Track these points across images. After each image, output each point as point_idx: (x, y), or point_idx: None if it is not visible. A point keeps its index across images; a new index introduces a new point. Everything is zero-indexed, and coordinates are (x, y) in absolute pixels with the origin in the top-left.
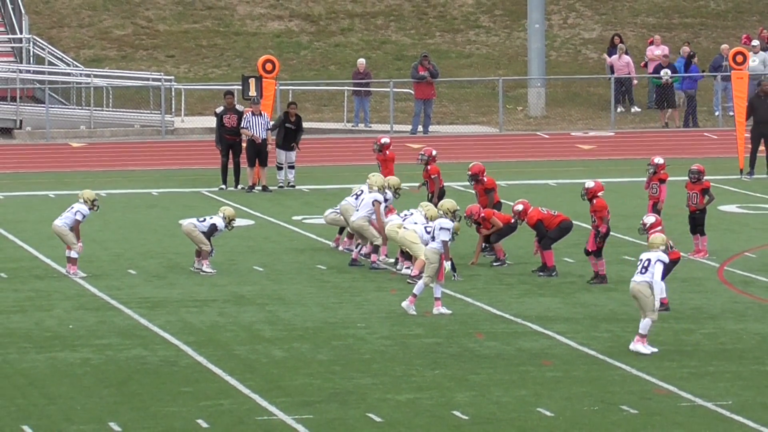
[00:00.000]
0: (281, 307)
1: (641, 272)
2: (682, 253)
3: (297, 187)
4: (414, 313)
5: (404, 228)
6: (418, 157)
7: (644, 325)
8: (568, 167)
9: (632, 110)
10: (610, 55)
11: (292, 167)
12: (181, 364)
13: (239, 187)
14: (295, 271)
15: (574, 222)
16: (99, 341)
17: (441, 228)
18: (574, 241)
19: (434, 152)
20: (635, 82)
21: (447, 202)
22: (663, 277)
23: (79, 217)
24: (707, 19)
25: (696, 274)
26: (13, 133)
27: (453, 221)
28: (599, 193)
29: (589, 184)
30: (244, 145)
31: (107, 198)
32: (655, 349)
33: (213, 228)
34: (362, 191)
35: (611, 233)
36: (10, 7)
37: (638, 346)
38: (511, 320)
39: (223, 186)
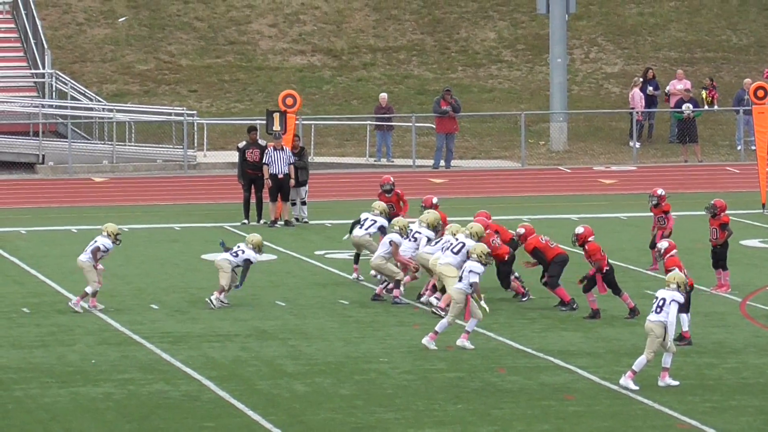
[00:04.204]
0: (303, 341)
1: (656, 311)
2: (705, 288)
3: (320, 222)
4: (435, 348)
5: (440, 262)
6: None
7: (639, 361)
8: (590, 201)
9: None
10: (645, 89)
11: (304, 203)
12: (203, 399)
13: (262, 221)
14: (318, 305)
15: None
16: (121, 376)
17: (471, 271)
18: None
19: (435, 199)
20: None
21: (480, 246)
22: (686, 308)
23: (99, 247)
24: (729, 54)
25: (718, 309)
26: (36, 168)
27: (484, 265)
28: (590, 238)
29: (579, 230)
30: (267, 179)
31: (129, 233)
32: (677, 383)
33: (248, 263)
34: (366, 218)
35: (631, 267)
36: (33, 42)
37: (628, 381)
38: (534, 354)
39: (246, 221)
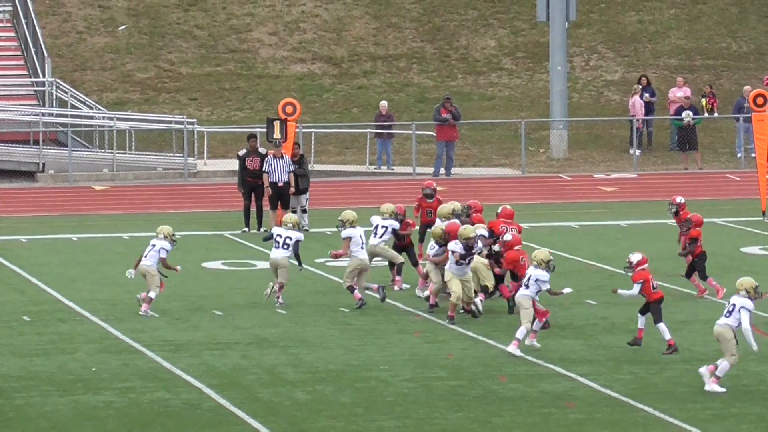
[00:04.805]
0: (304, 349)
1: (726, 315)
2: (708, 296)
3: (320, 230)
4: (520, 354)
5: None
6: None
7: (722, 367)
8: (590, 209)
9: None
10: (641, 96)
11: (304, 211)
12: (204, 407)
13: (262, 229)
14: (318, 313)
15: (597, 264)
16: (122, 384)
17: (537, 280)
18: (596, 282)
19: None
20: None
21: (540, 253)
22: (657, 318)
23: (162, 254)
24: (729, 61)
25: (718, 316)
26: (36, 177)
27: (548, 272)
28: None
29: (634, 257)
30: (266, 187)
31: (130, 241)
32: (723, 389)
33: (297, 244)
34: (377, 225)
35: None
36: (33, 50)
37: (714, 386)
38: (534, 362)
39: (246, 229)
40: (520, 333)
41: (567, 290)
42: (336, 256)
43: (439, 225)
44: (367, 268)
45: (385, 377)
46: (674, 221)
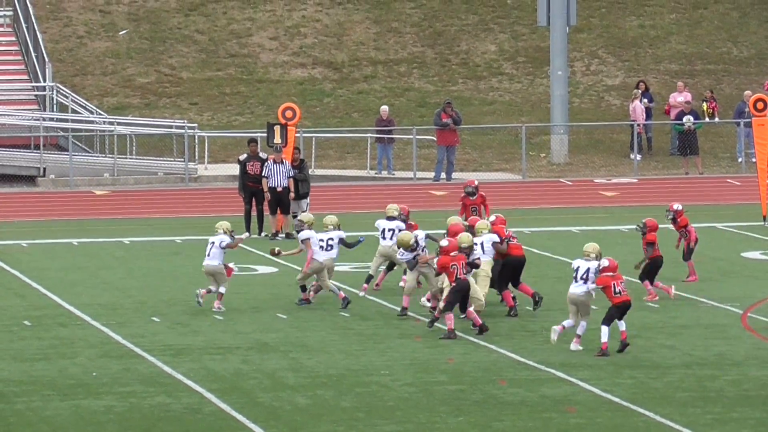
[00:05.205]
0: (305, 354)
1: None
2: (708, 300)
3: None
4: (581, 348)
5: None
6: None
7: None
8: (591, 214)
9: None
10: (641, 101)
11: None
12: (204, 412)
13: (263, 234)
14: (319, 318)
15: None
16: (122, 389)
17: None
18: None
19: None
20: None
21: (592, 244)
22: (611, 321)
23: (224, 243)
24: (730, 66)
25: (719, 321)
26: (37, 181)
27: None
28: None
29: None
30: (266, 192)
31: (130, 245)
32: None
33: (342, 241)
34: (384, 228)
35: (633, 279)
36: (33, 55)
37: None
38: (535, 367)
39: (247, 233)
40: (581, 329)
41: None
42: (275, 254)
43: (408, 233)
44: (324, 269)
45: (385, 382)
46: (673, 227)
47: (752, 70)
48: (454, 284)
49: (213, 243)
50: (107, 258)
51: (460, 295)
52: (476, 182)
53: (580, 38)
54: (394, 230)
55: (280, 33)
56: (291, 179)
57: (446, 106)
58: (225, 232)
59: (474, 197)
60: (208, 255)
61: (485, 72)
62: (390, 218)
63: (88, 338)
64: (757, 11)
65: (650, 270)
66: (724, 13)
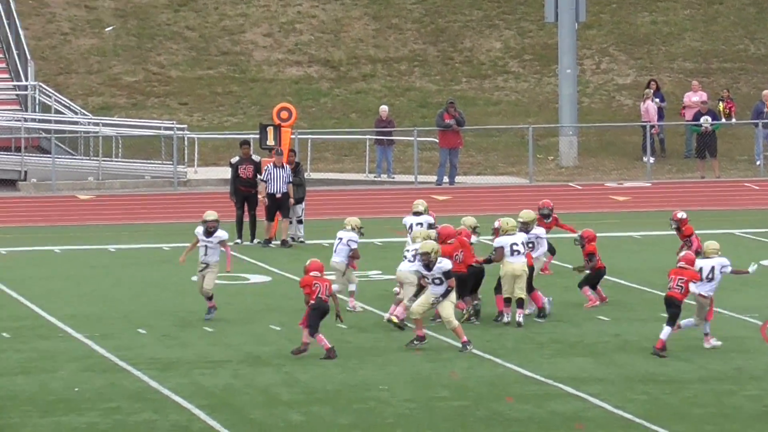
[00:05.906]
0: (299, 368)
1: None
2: (722, 310)
3: (317, 242)
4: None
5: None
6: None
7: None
8: (602, 219)
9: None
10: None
11: (300, 222)
12: (193, 430)
13: (255, 241)
14: None
15: (610, 278)
16: (107, 405)
17: (723, 267)
18: (608, 297)
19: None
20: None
21: (712, 243)
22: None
23: (353, 245)
24: (747, 64)
25: (738, 333)
26: (18, 185)
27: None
28: None
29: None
30: (259, 197)
31: (116, 253)
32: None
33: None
34: (410, 224)
35: (646, 289)
36: (15, 52)
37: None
38: (543, 382)
39: (239, 240)
40: (685, 324)
41: (753, 267)
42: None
43: (434, 244)
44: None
45: (384, 398)
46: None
47: None
48: (313, 302)
49: (341, 239)
50: (91, 266)
51: (318, 314)
52: (551, 204)
53: (589, 35)
54: (422, 225)
55: (275, 29)
56: (290, 184)
57: (449, 107)
58: (353, 229)
59: (548, 220)
60: (335, 251)
61: (490, 70)
62: (416, 213)
63: (70, 351)
64: None
65: (593, 278)
66: (740, 9)
